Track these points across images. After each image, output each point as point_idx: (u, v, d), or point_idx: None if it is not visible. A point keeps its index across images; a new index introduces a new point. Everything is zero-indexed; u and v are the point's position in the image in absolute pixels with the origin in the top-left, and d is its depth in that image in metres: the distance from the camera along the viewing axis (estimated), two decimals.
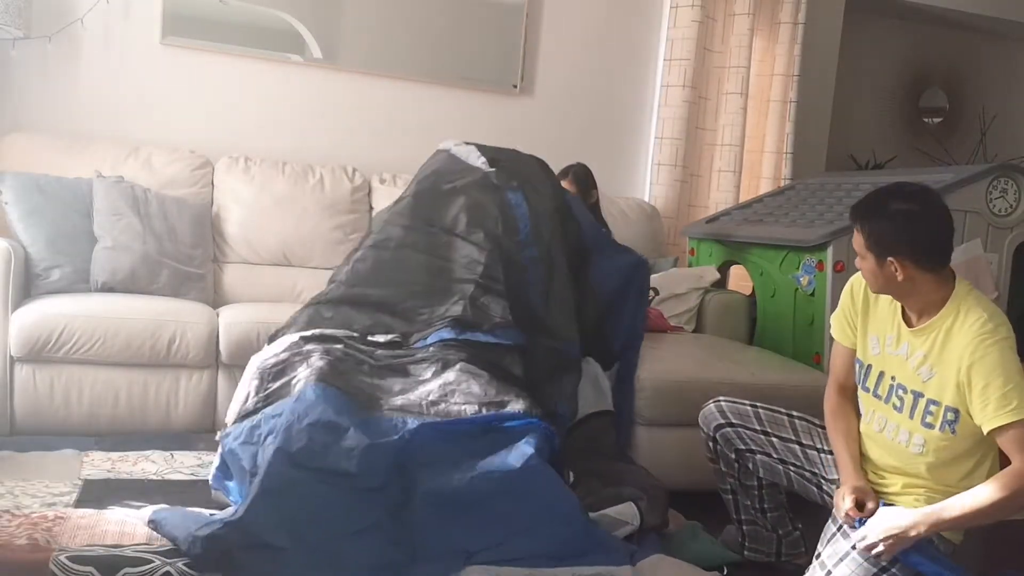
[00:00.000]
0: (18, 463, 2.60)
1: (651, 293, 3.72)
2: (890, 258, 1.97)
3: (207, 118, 3.89)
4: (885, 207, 1.98)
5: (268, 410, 2.27)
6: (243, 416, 2.34)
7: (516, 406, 2.32)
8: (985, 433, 1.91)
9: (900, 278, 1.98)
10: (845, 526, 2.05)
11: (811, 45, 4.73)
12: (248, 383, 2.44)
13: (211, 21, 3.85)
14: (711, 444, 2.40)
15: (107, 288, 3.15)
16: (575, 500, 2.20)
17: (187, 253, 3.35)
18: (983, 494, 1.89)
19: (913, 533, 1.93)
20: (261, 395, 2.36)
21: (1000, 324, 1.94)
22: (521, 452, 2.17)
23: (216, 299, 3.48)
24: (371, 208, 3.84)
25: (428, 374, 2.43)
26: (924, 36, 6.19)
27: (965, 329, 1.94)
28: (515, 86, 4.34)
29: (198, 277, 3.37)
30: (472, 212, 2.83)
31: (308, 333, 2.53)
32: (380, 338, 2.58)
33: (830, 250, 3.26)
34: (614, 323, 2.96)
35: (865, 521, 2.00)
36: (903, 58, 6.25)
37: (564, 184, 3.44)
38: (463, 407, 2.30)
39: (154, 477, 2.58)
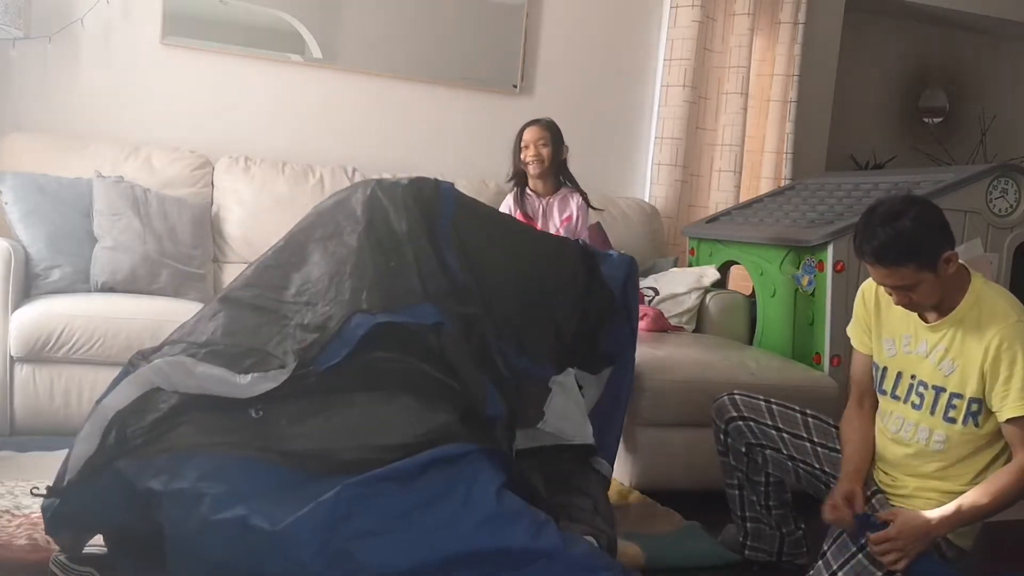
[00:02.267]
0: (18, 463, 2.60)
1: (651, 293, 3.73)
2: (943, 256, 1.95)
3: (207, 118, 3.89)
4: (899, 225, 1.93)
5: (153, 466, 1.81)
6: (91, 469, 1.86)
7: (455, 430, 1.91)
8: (1001, 422, 1.94)
9: (952, 270, 1.98)
10: (861, 532, 2.05)
11: (811, 45, 4.73)
12: (96, 432, 1.89)
13: (211, 21, 3.85)
14: (722, 436, 2.40)
15: (107, 288, 3.15)
16: (553, 531, 1.83)
17: (187, 253, 3.35)
18: (992, 489, 1.94)
19: (933, 532, 1.96)
20: (118, 443, 1.87)
21: (1020, 314, 1.97)
22: (479, 496, 1.81)
23: None
24: None
25: (337, 402, 1.95)
26: (924, 36, 6.19)
27: (988, 320, 1.96)
28: (515, 86, 4.34)
29: (198, 277, 3.36)
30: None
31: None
32: (267, 383, 1.92)
33: (830, 250, 3.26)
34: (614, 324, 2.56)
35: (867, 530, 2.00)
36: (903, 58, 6.25)
37: (536, 129, 3.36)
38: (390, 441, 1.87)
39: None
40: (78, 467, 1.86)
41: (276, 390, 1.91)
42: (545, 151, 3.34)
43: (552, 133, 3.38)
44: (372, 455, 1.83)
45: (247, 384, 1.91)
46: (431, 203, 2.30)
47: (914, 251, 1.93)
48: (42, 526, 2.13)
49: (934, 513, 1.97)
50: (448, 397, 2.00)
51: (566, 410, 2.33)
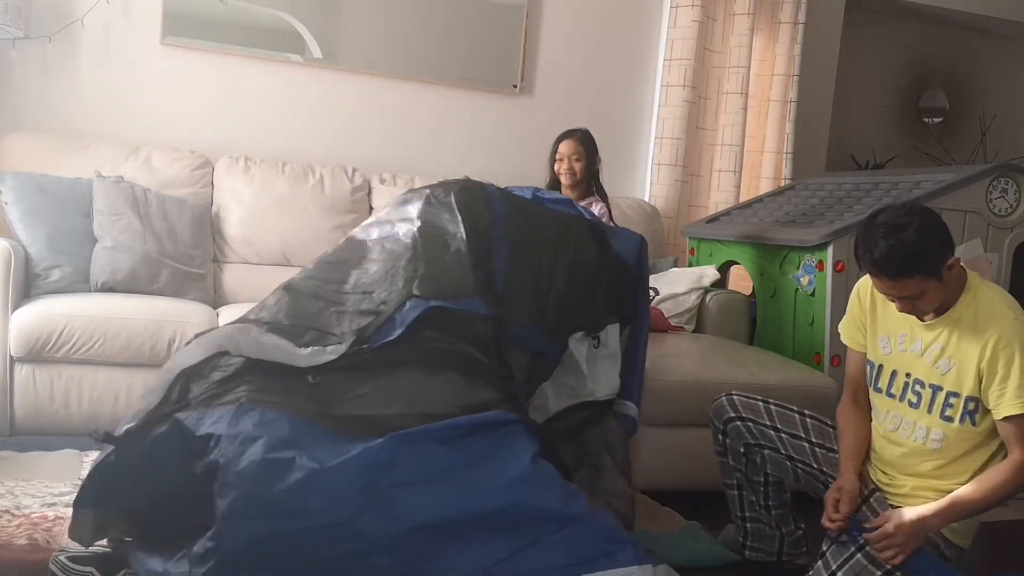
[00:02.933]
0: (18, 463, 2.61)
1: (651, 293, 3.73)
2: (948, 262, 1.96)
3: (207, 118, 3.89)
4: (904, 237, 1.91)
5: (208, 418, 1.92)
6: (153, 419, 1.97)
7: (496, 406, 2.06)
8: (997, 419, 1.95)
9: (955, 273, 1.99)
10: (855, 533, 2.05)
11: (811, 45, 4.73)
12: (162, 387, 2.05)
13: (211, 21, 3.85)
14: (720, 437, 2.40)
15: (107, 288, 3.15)
16: (582, 500, 1.96)
17: (187, 253, 3.35)
18: (986, 485, 1.95)
19: (927, 525, 1.96)
20: (180, 397, 2.02)
21: (1017, 312, 1.98)
22: (515, 457, 1.94)
23: (216, 299, 3.48)
24: (371, 208, 3.84)
25: (387, 375, 2.12)
26: (924, 36, 6.19)
27: (985, 319, 1.97)
28: (515, 86, 4.34)
29: (198, 277, 3.37)
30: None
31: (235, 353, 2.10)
32: (325, 356, 2.10)
33: (830, 250, 3.26)
34: (635, 290, 2.78)
35: (862, 532, 2.01)
36: (903, 58, 6.25)
37: (571, 143, 3.54)
38: (435, 410, 2.01)
39: None
40: (140, 417, 1.97)
41: (332, 363, 2.08)
42: (578, 165, 3.55)
43: (586, 147, 3.57)
44: (418, 422, 1.95)
45: (307, 355, 2.08)
46: (483, 206, 2.52)
47: (920, 263, 1.92)
48: (42, 526, 2.14)
49: (927, 507, 1.98)
50: (491, 380, 2.17)
51: (562, 378, 2.47)
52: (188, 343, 2.15)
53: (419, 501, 1.85)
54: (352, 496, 1.83)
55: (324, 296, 2.26)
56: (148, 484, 1.95)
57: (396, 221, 2.47)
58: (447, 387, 2.09)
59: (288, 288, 2.31)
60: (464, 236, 2.40)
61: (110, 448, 1.94)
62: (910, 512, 1.99)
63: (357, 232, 2.53)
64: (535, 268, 2.51)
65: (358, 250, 2.43)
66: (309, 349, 2.09)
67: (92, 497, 1.94)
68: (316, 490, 1.82)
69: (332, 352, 2.09)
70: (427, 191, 2.53)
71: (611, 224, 2.99)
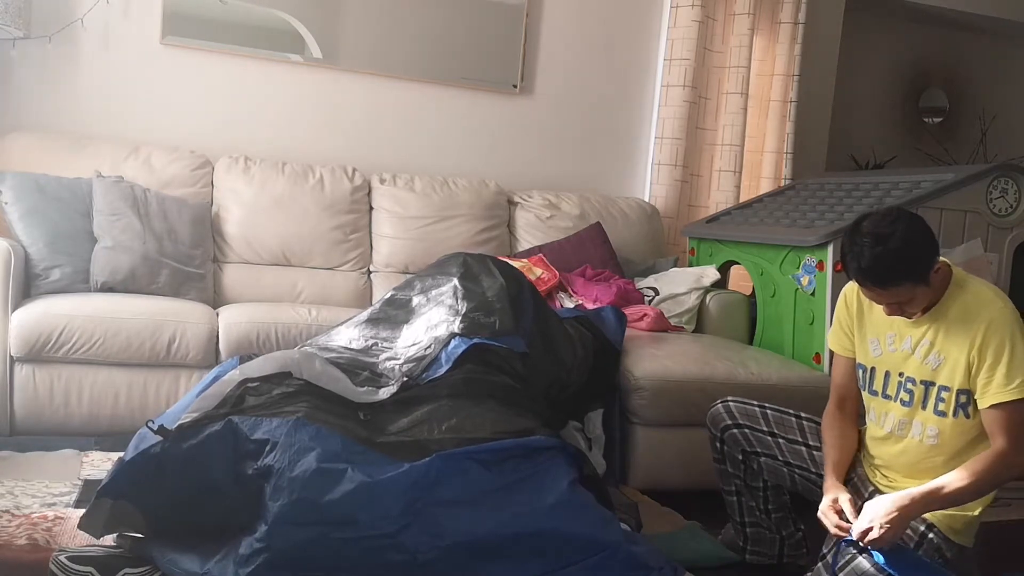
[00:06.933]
0: (18, 463, 2.60)
1: (651, 293, 3.73)
2: (935, 267, 1.96)
3: (207, 118, 3.89)
4: (891, 245, 1.91)
5: (266, 424, 2.00)
6: (208, 419, 2.02)
7: (536, 432, 2.15)
8: (983, 408, 1.94)
9: (941, 275, 2.00)
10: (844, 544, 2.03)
11: (811, 45, 4.72)
12: (221, 393, 2.12)
13: (211, 21, 3.85)
14: (718, 444, 2.40)
15: (107, 288, 3.15)
16: (616, 527, 2.03)
17: (187, 253, 3.35)
18: (966, 476, 1.92)
19: (909, 508, 1.92)
20: (237, 404, 2.09)
21: (1005, 301, 1.98)
22: (554, 483, 2.02)
23: (216, 299, 3.48)
24: (371, 208, 3.84)
25: (431, 405, 2.23)
26: (924, 36, 6.19)
27: (973, 309, 1.97)
28: (515, 86, 4.34)
29: (198, 277, 3.36)
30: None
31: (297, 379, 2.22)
32: (377, 396, 2.25)
33: (830, 250, 3.26)
34: (616, 367, 3.01)
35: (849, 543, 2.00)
36: (903, 58, 6.25)
37: None
38: (477, 435, 2.11)
39: None
40: (194, 416, 2.01)
41: (383, 401, 2.22)
42: None
43: None
44: (462, 446, 2.05)
45: (362, 392, 2.23)
46: (512, 271, 2.78)
47: (907, 271, 1.93)
48: (42, 526, 2.14)
49: (909, 491, 1.94)
50: (530, 408, 2.31)
51: None
52: (252, 360, 2.26)
53: (460, 520, 1.93)
54: (398, 510, 1.90)
55: (378, 351, 2.45)
56: (192, 479, 1.98)
57: (436, 275, 2.71)
58: (489, 414, 2.19)
59: (347, 347, 2.48)
60: (504, 285, 2.65)
61: (154, 441, 1.97)
62: (883, 498, 1.95)
63: (397, 293, 2.71)
64: (555, 348, 2.72)
65: (404, 306, 2.64)
66: (364, 388, 2.25)
67: (121, 487, 1.96)
68: (365, 502, 1.89)
69: (384, 392, 2.24)
70: (462, 254, 2.81)
71: (598, 240, 3.18)
